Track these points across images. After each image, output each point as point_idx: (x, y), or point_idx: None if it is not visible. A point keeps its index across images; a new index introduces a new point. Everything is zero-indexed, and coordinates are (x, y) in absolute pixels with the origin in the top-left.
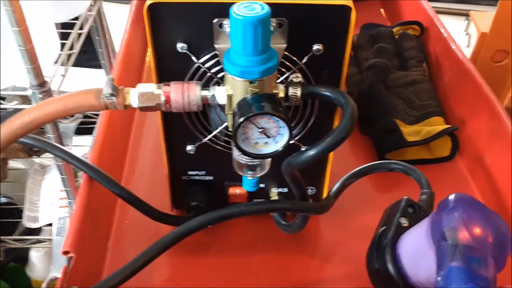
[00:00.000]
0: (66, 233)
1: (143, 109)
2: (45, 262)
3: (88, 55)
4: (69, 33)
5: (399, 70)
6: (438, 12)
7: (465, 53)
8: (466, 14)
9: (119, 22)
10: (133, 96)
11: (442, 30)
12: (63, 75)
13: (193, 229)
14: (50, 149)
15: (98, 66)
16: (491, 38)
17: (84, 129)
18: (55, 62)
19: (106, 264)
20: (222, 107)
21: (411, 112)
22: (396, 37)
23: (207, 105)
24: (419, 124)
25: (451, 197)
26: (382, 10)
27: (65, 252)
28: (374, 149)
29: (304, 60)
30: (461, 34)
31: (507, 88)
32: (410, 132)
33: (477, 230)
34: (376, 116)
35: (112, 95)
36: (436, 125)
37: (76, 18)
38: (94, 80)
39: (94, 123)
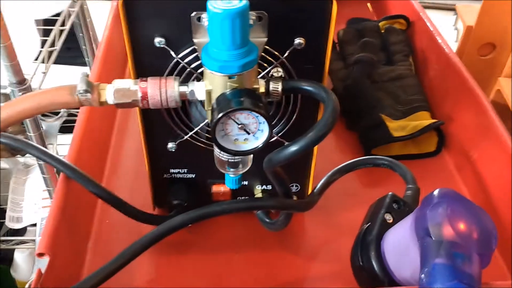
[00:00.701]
0: (41, 234)
1: (119, 105)
2: (29, 263)
3: (72, 53)
4: (50, 29)
5: (385, 65)
6: (427, 7)
7: (454, 47)
8: (454, 9)
9: (103, 19)
10: (109, 93)
11: (428, 24)
12: (44, 73)
13: (173, 228)
14: (25, 148)
15: (83, 63)
16: (477, 32)
17: (69, 127)
18: (36, 59)
19: (85, 265)
20: (202, 103)
21: (398, 107)
22: (382, 31)
23: (187, 101)
24: (405, 119)
25: (435, 192)
26: (368, 4)
27: (40, 254)
28: (360, 145)
29: (285, 55)
30: (450, 28)
31: (494, 82)
32: (396, 127)
33: (462, 226)
34: (362, 111)
35: (86, 91)
36: (422, 119)
37: (58, 15)
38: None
39: None
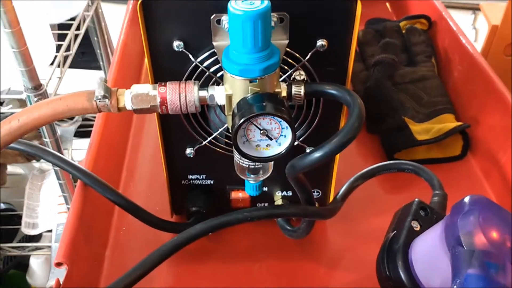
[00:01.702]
0: (59, 243)
1: (137, 111)
2: (45, 269)
3: (87, 57)
4: (65, 34)
5: (407, 66)
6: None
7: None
8: (472, 8)
9: (118, 22)
10: (127, 98)
11: (451, 23)
12: (60, 77)
13: (193, 236)
14: (42, 155)
15: (97, 67)
16: (502, 31)
17: (84, 132)
18: (51, 64)
19: (103, 273)
20: (221, 107)
21: (420, 109)
22: (403, 31)
23: (206, 106)
24: (429, 122)
25: (466, 199)
26: (387, 4)
27: (58, 264)
28: (382, 149)
29: (307, 57)
30: (468, 28)
31: None
32: (420, 130)
33: (495, 234)
34: (383, 114)
35: (104, 97)
36: (447, 122)
37: (73, 19)
38: (93, 81)
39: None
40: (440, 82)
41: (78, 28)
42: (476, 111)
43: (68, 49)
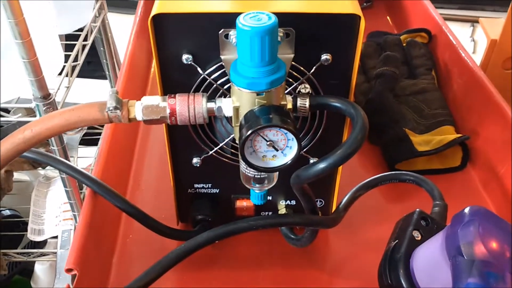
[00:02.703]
0: (70, 249)
1: (147, 122)
2: (49, 275)
3: (92, 66)
4: (73, 44)
5: (407, 79)
6: (444, 19)
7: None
8: (471, 21)
9: (123, 32)
10: (138, 109)
11: (450, 37)
12: (67, 87)
13: (200, 244)
14: (53, 163)
15: (102, 76)
16: (501, 45)
17: (89, 140)
18: (59, 74)
19: (110, 280)
20: (228, 118)
21: (421, 121)
22: (404, 45)
23: (213, 117)
24: (429, 133)
25: (466, 210)
26: (388, 17)
27: (69, 270)
28: (383, 159)
29: (312, 70)
30: (467, 40)
31: None
32: (420, 141)
33: (494, 245)
34: (385, 125)
35: (116, 108)
36: (447, 134)
37: (80, 29)
38: (99, 90)
39: (99, 134)
40: (440, 95)
41: (85, 39)
42: (476, 123)
43: (76, 59)
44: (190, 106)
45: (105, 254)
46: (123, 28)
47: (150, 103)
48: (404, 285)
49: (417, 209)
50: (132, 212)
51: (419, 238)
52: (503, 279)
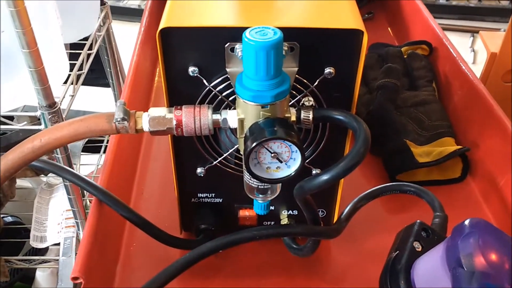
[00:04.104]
0: (76, 257)
1: (154, 133)
2: (50, 282)
3: (95, 74)
4: (77, 53)
5: (408, 90)
6: (443, 30)
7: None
8: (471, 31)
9: (126, 40)
10: (145, 120)
11: (451, 50)
12: (72, 95)
13: (205, 254)
14: (60, 173)
15: (105, 84)
16: (501, 58)
17: (91, 147)
18: (65, 83)
19: None
20: (232, 129)
21: (422, 132)
22: (405, 56)
23: (217, 128)
24: (430, 144)
25: (466, 222)
26: (389, 29)
27: (74, 278)
28: (384, 170)
29: (315, 83)
30: (467, 50)
31: None
32: (421, 153)
33: (494, 257)
34: (386, 137)
35: (123, 119)
36: (447, 145)
37: (84, 38)
38: (102, 98)
39: (101, 141)
40: (441, 106)
41: (90, 48)
42: (476, 135)
43: (80, 68)
44: (196, 118)
45: (109, 263)
46: (126, 36)
47: (157, 114)
48: None
49: (418, 220)
50: (136, 221)
51: (420, 249)
52: None
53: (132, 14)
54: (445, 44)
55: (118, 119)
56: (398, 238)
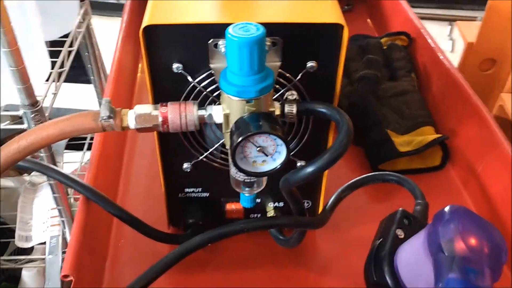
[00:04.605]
0: (65, 256)
1: (140, 130)
2: (37, 281)
3: (76, 71)
4: (57, 50)
5: (388, 81)
6: (422, 18)
7: (450, 58)
8: (449, 19)
9: (106, 35)
10: (131, 118)
11: (429, 40)
12: (55, 93)
13: (194, 247)
14: (47, 172)
15: (86, 81)
16: (478, 48)
17: (74, 145)
18: (46, 81)
19: (104, 284)
20: (217, 124)
21: (402, 122)
22: (385, 48)
23: (202, 123)
24: (410, 134)
25: (447, 209)
26: (368, 20)
27: (65, 276)
28: (366, 160)
29: (298, 77)
30: (445, 39)
31: (494, 96)
32: (402, 142)
33: (473, 241)
34: (368, 127)
35: (109, 117)
36: (427, 134)
37: (65, 36)
38: (83, 95)
39: (84, 138)
40: (420, 96)
41: (70, 45)
42: (454, 124)
43: (62, 65)
44: (182, 114)
45: (98, 259)
46: (105, 31)
47: (143, 111)
48: (389, 281)
49: (400, 209)
50: (125, 218)
51: (402, 236)
52: (482, 274)
53: (111, 8)
54: (424, 35)
55: (104, 117)
56: (381, 227)
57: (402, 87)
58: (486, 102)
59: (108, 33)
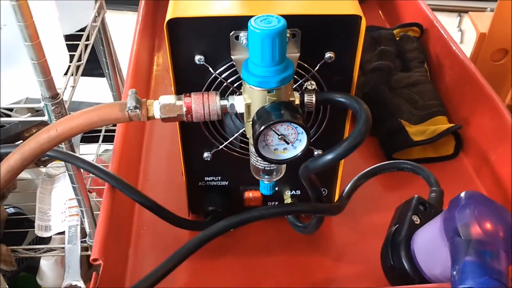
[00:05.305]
0: (94, 240)
1: (165, 120)
2: (55, 270)
3: (90, 64)
4: (72, 44)
5: (401, 72)
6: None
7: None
8: (458, 11)
9: (117, 30)
10: (156, 108)
11: (441, 31)
12: (73, 86)
13: (217, 232)
14: (74, 161)
15: (100, 74)
16: (490, 38)
17: (89, 137)
18: (65, 74)
19: (128, 269)
20: (238, 115)
21: (415, 112)
22: (397, 39)
23: (223, 113)
24: (423, 123)
25: (462, 194)
26: (380, 12)
27: (94, 260)
28: (380, 149)
29: (316, 68)
30: (454, 30)
31: (507, 86)
32: (415, 131)
33: (488, 225)
34: (382, 117)
35: (136, 107)
36: (440, 124)
37: (80, 30)
38: (97, 88)
39: (99, 131)
40: (433, 86)
41: (87, 39)
42: (467, 113)
43: (79, 59)
44: (205, 104)
45: (122, 246)
46: (117, 26)
47: (167, 102)
48: (406, 265)
49: (416, 195)
50: (149, 205)
51: (418, 222)
52: (498, 256)
53: (121, 3)
54: (436, 26)
55: (131, 108)
56: (397, 213)
57: (415, 78)
58: (498, 92)
59: (120, 28)
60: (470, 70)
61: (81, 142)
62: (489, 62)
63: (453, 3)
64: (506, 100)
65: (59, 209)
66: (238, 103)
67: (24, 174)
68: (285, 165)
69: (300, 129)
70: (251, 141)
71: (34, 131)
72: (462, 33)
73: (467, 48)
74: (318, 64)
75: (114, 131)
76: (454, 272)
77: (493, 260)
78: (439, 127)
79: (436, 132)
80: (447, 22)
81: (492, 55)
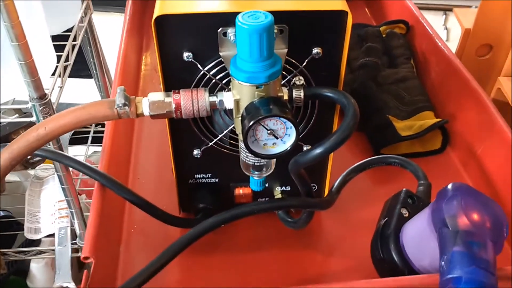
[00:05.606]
0: (84, 239)
1: (154, 117)
2: (45, 273)
3: (77, 66)
4: (59, 45)
5: (388, 68)
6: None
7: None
8: (443, 9)
9: (106, 31)
10: (145, 105)
11: (427, 28)
12: (61, 87)
13: (207, 229)
14: (62, 160)
15: (87, 76)
16: (474, 34)
17: (77, 139)
18: (53, 75)
19: (119, 267)
20: (227, 110)
21: (403, 107)
22: (383, 36)
23: (212, 109)
24: (410, 119)
25: (449, 186)
26: (366, 9)
27: (85, 258)
28: (369, 145)
29: (304, 63)
30: (440, 28)
31: (491, 80)
32: (403, 127)
33: (476, 216)
34: (370, 113)
35: (125, 105)
36: (427, 119)
37: (67, 30)
38: (84, 90)
39: (87, 132)
40: (419, 82)
41: (74, 39)
42: (453, 108)
43: (67, 59)
44: (194, 101)
45: (113, 244)
46: (105, 27)
47: (156, 99)
48: (395, 258)
49: (404, 189)
50: (139, 203)
51: (407, 215)
52: (485, 247)
53: (108, 4)
54: (422, 23)
55: (120, 105)
56: (386, 206)
57: (402, 74)
58: (483, 87)
59: (106, 29)
60: (455, 66)
61: (69, 144)
62: (474, 58)
63: (439, 1)
64: (491, 95)
65: (48, 211)
66: (227, 99)
67: (13, 177)
68: (274, 160)
69: (289, 124)
70: (240, 137)
71: (22, 132)
72: (447, 31)
73: (452, 46)
74: (306, 60)
75: (102, 132)
76: (443, 263)
77: (481, 250)
78: (426, 122)
79: (423, 127)
80: (433, 20)
81: (477, 51)
